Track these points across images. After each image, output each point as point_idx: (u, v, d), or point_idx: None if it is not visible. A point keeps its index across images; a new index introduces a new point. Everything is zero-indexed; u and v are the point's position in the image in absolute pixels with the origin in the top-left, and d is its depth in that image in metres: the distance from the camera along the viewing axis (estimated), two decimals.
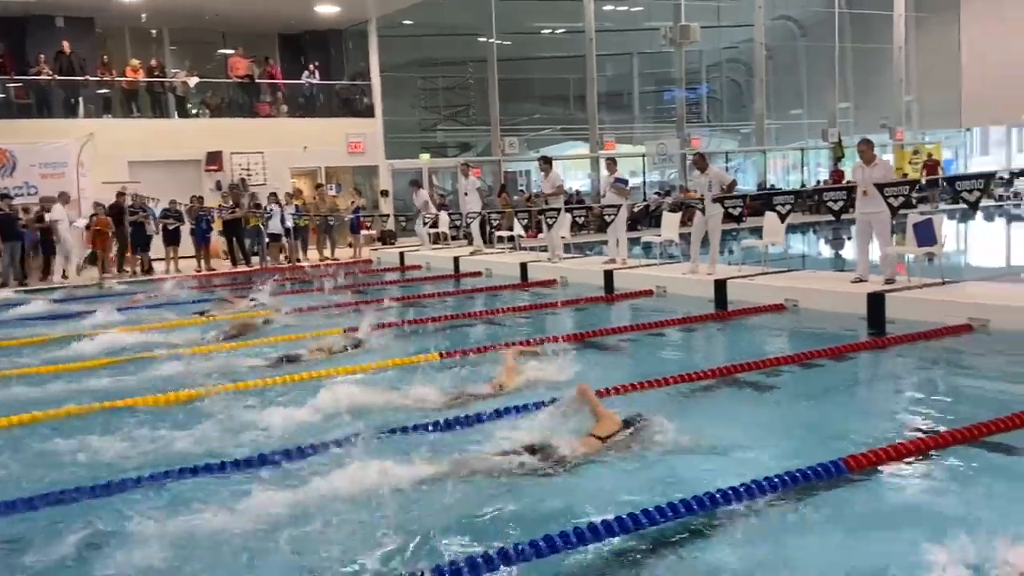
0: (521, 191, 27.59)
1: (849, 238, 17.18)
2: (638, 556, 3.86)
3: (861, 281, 9.87)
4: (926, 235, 9.57)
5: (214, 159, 21.57)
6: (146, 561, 3.89)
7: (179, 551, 3.98)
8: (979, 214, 22.34)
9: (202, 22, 23.49)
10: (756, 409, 6.10)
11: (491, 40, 27.14)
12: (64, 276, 17.21)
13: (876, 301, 9.05)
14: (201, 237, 18.61)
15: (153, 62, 22.05)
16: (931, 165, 28.45)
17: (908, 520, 4.08)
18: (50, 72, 20.11)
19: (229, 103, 22.91)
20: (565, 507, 4.37)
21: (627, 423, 5.21)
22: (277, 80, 23.35)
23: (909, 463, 4.80)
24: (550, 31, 31.72)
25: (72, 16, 21.54)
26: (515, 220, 17.33)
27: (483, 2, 26.39)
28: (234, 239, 19.07)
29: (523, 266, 14.47)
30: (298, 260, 19.55)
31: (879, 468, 4.71)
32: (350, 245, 20.96)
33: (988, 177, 9.08)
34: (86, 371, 8.04)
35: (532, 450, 4.91)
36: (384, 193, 23.62)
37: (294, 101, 23.58)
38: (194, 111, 22.40)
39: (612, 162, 14.69)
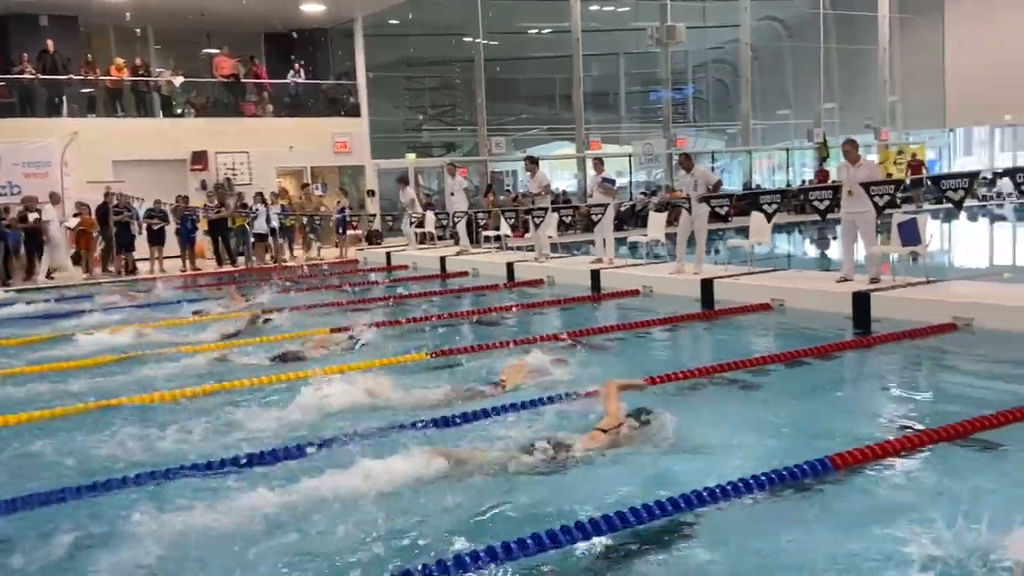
0: (507, 191, 27.59)
1: (834, 238, 17.27)
2: (625, 555, 3.86)
3: (846, 280, 9.92)
4: (910, 235, 9.63)
5: (199, 159, 21.47)
6: (139, 561, 3.88)
7: (173, 550, 3.97)
8: (963, 214, 22.54)
9: (187, 21, 23.37)
10: (743, 408, 6.12)
11: (478, 40, 27.13)
12: (49, 276, 17.08)
13: (861, 300, 9.10)
14: (186, 237, 18.53)
15: (138, 61, 21.92)
16: (915, 165, 28.63)
17: (894, 517, 4.09)
18: (33, 71, 19.97)
19: (214, 102, 22.80)
20: (554, 504, 4.37)
21: (633, 416, 5.24)
22: (263, 80, 23.25)
23: (894, 461, 4.83)
24: (537, 31, 31.74)
25: (56, 15, 21.39)
26: (502, 220, 17.33)
27: (470, 2, 26.36)
28: (219, 239, 19.00)
29: (509, 266, 14.46)
30: (284, 260, 19.49)
31: (865, 466, 4.73)
32: (336, 245, 20.91)
33: (972, 176, 9.14)
34: (74, 370, 8.02)
35: (533, 448, 4.93)
36: (371, 193, 23.57)
37: (280, 101, 23.49)
38: (179, 111, 22.28)
39: (599, 162, 14.70)
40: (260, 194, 19.56)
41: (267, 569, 3.83)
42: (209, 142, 21.46)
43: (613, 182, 14.88)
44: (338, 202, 20.88)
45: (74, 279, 16.99)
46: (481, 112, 26.91)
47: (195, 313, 11.22)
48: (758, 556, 3.82)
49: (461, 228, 17.28)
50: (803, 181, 29.96)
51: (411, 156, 26.47)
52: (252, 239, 19.04)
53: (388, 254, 18.53)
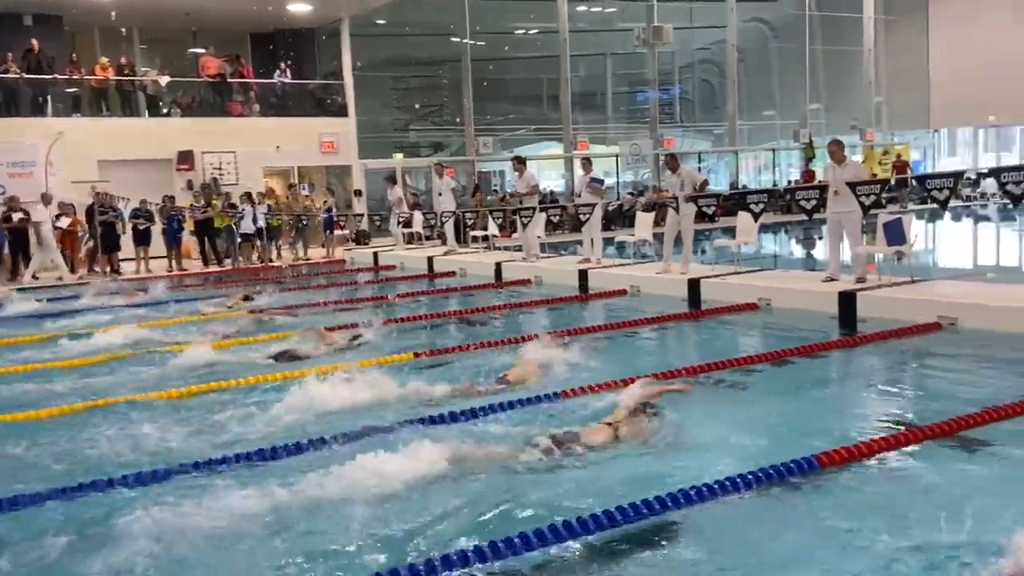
0: (495, 191, 27.60)
1: (820, 238, 17.36)
2: (612, 553, 3.87)
3: (832, 280, 9.97)
4: (896, 234, 9.70)
5: (185, 159, 21.37)
6: (133, 561, 3.87)
7: (168, 551, 3.97)
8: (947, 214, 22.70)
9: (173, 20, 23.25)
10: (729, 407, 6.14)
11: (465, 40, 27.12)
12: (34, 276, 16.97)
13: (847, 300, 9.15)
14: (172, 237, 18.45)
15: (123, 61, 21.79)
16: (900, 166, 28.80)
17: (879, 515, 4.12)
18: (18, 71, 19.83)
19: (200, 102, 22.68)
20: (550, 501, 4.40)
21: (640, 411, 5.29)
22: (249, 79, 23.17)
23: (880, 460, 4.86)
24: (524, 31, 31.76)
25: (40, 14, 21.25)
26: (489, 220, 17.33)
27: (457, 2, 26.36)
28: (206, 239, 18.93)
29: (497, 266, 14.47)
30: (271, 260, 19.43)
31: (851, 465, 4.76)
32: (323, 245, 20.87)
33: (957, 176, 9.20)
34: (73, 369, 8.05)
35: (536, 444, 4.99)
36: (358, 193, 23.53)
37: (266, 100, 23.41)
38: (165, 110, 22.18)
39: (588, 162, 14.73)
40: (248, 194, 19.50)
41: (268, 568, 3.84)
42: (195, 142, 21.36)
43: (601, 182, 14.90)
44: (324, 202, 20.83)
45: (65, 279, 16.86)
46: (468, 112, 26.92)
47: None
48: (744, 554, 3.83)
49: (449, 228, 17.26)
50: (789, 181, 30.10)
51: (398, 156, 26.44)
52: (239, 239, 18.97)
53: (375, 254, 18.50)
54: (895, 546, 3.78)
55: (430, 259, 16.39)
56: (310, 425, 5.85)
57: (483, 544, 3.78)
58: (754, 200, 11.16)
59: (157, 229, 18.33)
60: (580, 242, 14.64)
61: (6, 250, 17.00)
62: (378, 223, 21.04)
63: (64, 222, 17.58)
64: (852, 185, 9.49)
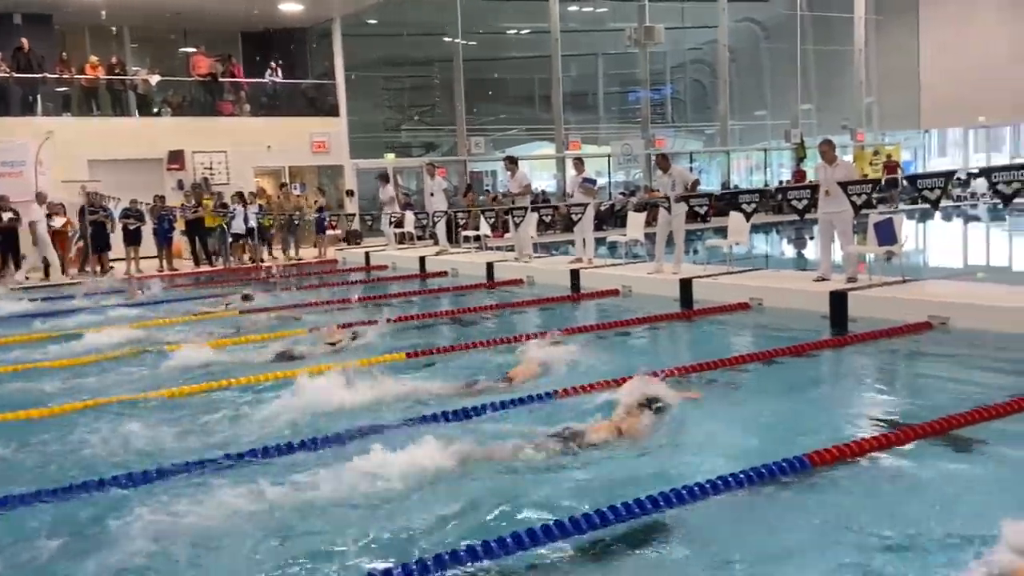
0: (487, 191, 27.58)
1: (811, 238, 17.40)
2: (603, 553, 3.87)
3: (823, 280, 9.99)
4: (887, 234, 9.71)
5: (176, 158, 21.30)
6: (127, 562, 3.86)
7: (165, 550, 3.96)
8: (938, 214, 22.78)
9: (163, 20, 23.17)
10: (721, 407, 6.15)
11: (457, 40, 27.10)
12: (27, 276, 16.91)
13: (838, 299, 9.17)
14: (163, 237, 18.39)
15: (113, 60, 21.70)
16: (890, 166, 28.90)
17: (870, 514, 4.13)
18: (8, 70, 19.73)
19: (191, 102, 22.61)
20: (542, 499, 4.41)
21: (646, 406, 5.33)
22: (240, 79, 23.11)
23: (871, 458, 4.87)
24: (516, 31, 31.75)
25: (30, 13, 21.14)
26: (481, 220, 17.32)
27: (449, 2, 26.34)
28: (197, 239, 18.87)
29: (489, 266, 14.46)
30: (262, 260, 19.38)
31: (842, 464, 4.77)
32: (315, 245, 20.83)
33: (948, 176, 9.23)
34: (64, 368, 8.05)
35: (540, 441, 5.02)
36: (349, 193, 23.49)
37: (257, 100, 23.34)
38: (156, 110, 22.10)
39: (580, 162, 14.75)
40: (240, 194, 19.44)
41: (264, 569, 3.83)
42: (186, 141, 21.29)
43: (594, 182, 14.92)
44: (315, 201, 20.79)
45: (52, 279, 16.80)
46: (460, 112, 26.89)
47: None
48: (735, 553, 3.83)
49: (440, 228, 17.25)
50: (780, 181, 30.17)
51: (390, 156, 26.41)
52: (230, 239, 18.92)
53: (367, 254, 18.47)
54: (886, 544, 3.79)
55: (422, 259, 16.37)
56: (308, 424, 5.85)
57: (475, 544, 3.78)
58: (746, 200, 11.17)
59: (148, 229, 18.25)
60: (572, 242, 14.64)
61: None
62: (370, 223, 21.02)
63: (58, 222, 17.51)
64: (843, 185, 9.51)
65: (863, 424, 5.64)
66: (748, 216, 11.15)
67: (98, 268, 17.65)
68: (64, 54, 21.10)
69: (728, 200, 13.51)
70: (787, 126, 31.16)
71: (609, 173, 28.86)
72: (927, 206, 9.52)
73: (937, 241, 20.37)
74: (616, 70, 33.97)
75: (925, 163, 34.82)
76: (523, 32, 31.56)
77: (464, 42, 27.34)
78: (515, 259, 14.62)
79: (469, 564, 3.67)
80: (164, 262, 18.37)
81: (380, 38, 27.97)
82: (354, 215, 21.37)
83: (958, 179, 26.60)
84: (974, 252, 17.84)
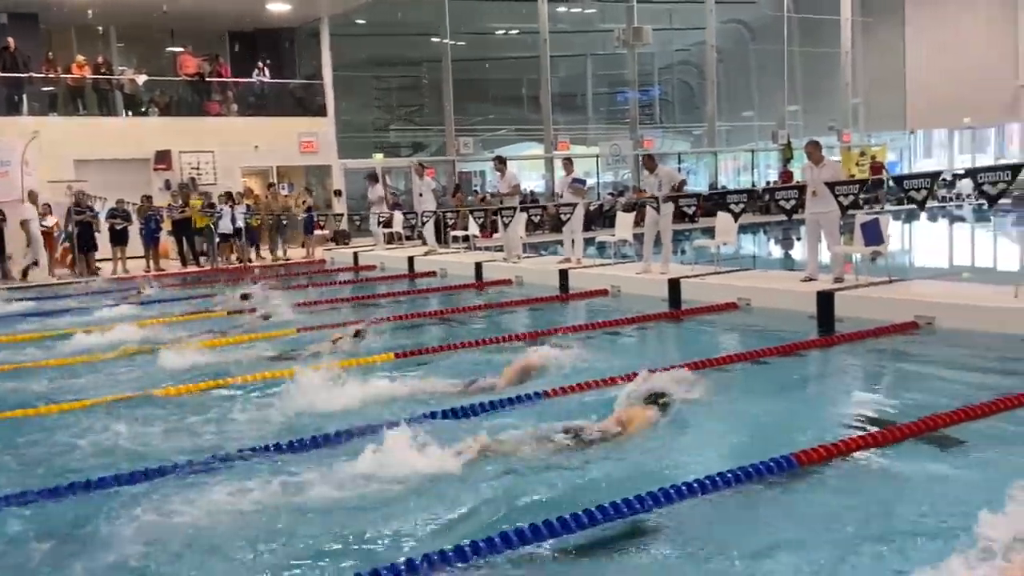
0: (475, 191, 27.57)
1: (799, 238, 17.47)
2: (589, 553, 3.88)
3: (811, 280, 10.04)
4: (873, 234, 9.76)
5: (163, 158, 21.20)
6: (121, 562, 3.85)
7: (164, 550, 3.96)
8: (923, 215, 22.90)
9: (150, 19, 23.02)
10: (709, 406, 6.16)
11: (445, 40, 27.08)
12: (15, 276, 16.82)
13: (825, 300, 9.21)
14: (150, 237, 18.31)
15: (100, 59, 21.60)
16: (875, 167, 29.03)
17: (857, 512, 4.16)
18: None
19: (178, 101, 22.52)
20: (539, 497, 4.44)
21: (651, 402, 5.39)
22: (227, 79, 23.02)
23: (858, 458, 4.90)
24: (504, 32, 31.76)
25: (16, 12, 21.01)
26: (470, 220, 17.32)
27: (437, 2, 26.32)
28: (184, 239, 18.80)
29: (478, 266, 14.46)
30: (249, 260, 19.31)
31: (829, 463, 4.79)
32: (303, 245, 20.78)
33: (934, 177, 9.29)
34: (53, 368, 8.05)
35: (545, 437, 5.08)
36: (337, 193, 23.44)
37: (245, 100, 23.27)
38: (143, 109, 21.99)
39: (569, 162, 14.77)
40: (229, 194, 19.38)
41: (258, 569, 3.83)
42: (173, 141, 21.21)
43: (583, 182, 14.95)
44: (304, 202, 20.74)
45: (37, 279, 16.72)
46: (449, 112, 26.88)
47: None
48: (722, 552, 3.85)
49: (428, 229, 17.24)
50: (767, 182, 30.27)
51: (378, 156, 26.37)
52: (217, 239, 18.86)
53: (355, 254, 18.44)
54: (873, 542, 3.81)
55: (411, 259, 16.36)
56: (301, 425, 5.85)
57: (464, 544, 3.78)
58: (734, 200, 11.22)
59: (134, 229, 18.17)
60: (560, 242, 14.66)
61: None
62: (358, 223, 20.98)
63: (50, 221, 17.43)
64: (831, 185, 9.57)
65: (850, 423, 5.66)
66: (736, 216, 11.20)
67: (84, 269, 17.56)
68: (50, 53, 21.00)
69: (716, 200, 13.56)
70: (774, 127, 31.27)
71: (598, 173, 28.89)
72: (913, 207, 9.57)
73: (923, 241, 20.49)
74: (604, 71, 34.03)
75: (911, 164, 35.02)
76: (512, 32, 31.57)
77: (453, 42, 27.32)
78: (504, 259, 14.63)
79: (458, 564, 3.67)
80: (151, 262, 18.29)
81: (368, 38, 27.93)
82: (342, 215, 21.32)
83: (944, 180, 26.75)
84: (959, 252, 17.95)
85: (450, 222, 18.17)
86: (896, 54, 32.84)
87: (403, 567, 3.62)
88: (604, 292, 11.82)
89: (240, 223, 18.93)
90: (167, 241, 19.13)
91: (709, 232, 13.16)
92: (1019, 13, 29.59)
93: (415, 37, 28.82)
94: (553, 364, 7.11)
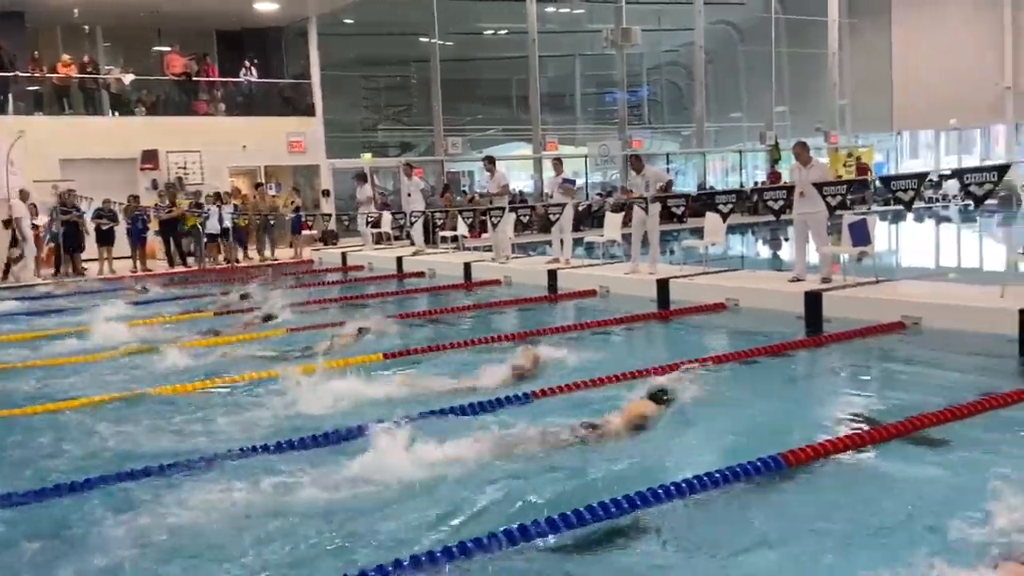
0: (464, 191, 27.56)
1: (786, 239, 17.53)
2: (575, 554, 3.87)
3: (798, 280, 10.07)
4: (860, 235, 9.80)
5: (150, 158, 21.10)
6: (112, 564, 3.83)
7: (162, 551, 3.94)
8: (910, 216, 23.00)
9: (137, 18, 22.92)
10: (696, 406, 6.17)
11: (434, 40, 27.05)
12: (6, 276, 16.73)
13: (813, 300, 9.24)
14: (137, 237, 18.21)
15: (86, 58, 21.47)
16: (860, 168, 29.16)
17: (845, 512, 4.17)
18: None
19: (165, 101, 22.42)
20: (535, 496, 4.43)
21: (654, 399, 5.48)
22: (214, 78, 22.93)
23: (845, 458, 4.91)
24: (493, 32, 31.75)
25: (1, 11, 20.83)
26: (459, 220, 17.30)
27: (425, 2, 26.29)
28: (171, 239, 18.71)
29: (467, 266, 14.45)
30: (237, 261, 19.24)
31: (817, 463, 4.81)
32: (291, 245, 20.71)
33: (921, 178, 9.33)
34: (40, 368, 8.02)
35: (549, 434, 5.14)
36: (326, 193, 23.38)
37: (232, 99, 23.17)
38: (130, 108, 21.87)
39: (559, 162, 14.78)
40: (217, 194, 19.30)
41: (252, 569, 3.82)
42: (160, 141, 21.10)
43: (573, 183, 14.97)
44: (292, 202, 20.67)
45: (24, 279, 16.62)
46: (437, 112, 26.85)
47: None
48: (709, 553, 3.86)
49: (416, 229, 17.21)
50: (755, 183, 30.36)
51: (367, 156, 26.31)
52: (204, 239, 18.78)
53: (344, 254, 18.40)
54: (860, 542, 3.83)
55: (399, 259, 16.33)
56: (297, 424, 5.85)
57: (451, 545, 3.78)
58: (722, 201, 11.24)
59: (121, 229, 18.07)
60: (549, 242, 14.66)
61: None
62: (346, 223, 20.93)
63: (42, 220, 17.32)
64: (818, 186, 9.60)
65: (837, 423, 5.68)
66: (724, 217, 11.22)
67: (70, 269, 17.45)
68: (36, 52, 20.86)
69: (704, 201, 13.59)
70: (762, 128, 31.36)
71: (586, 174, 28.92)
72: (900, 207, 9.62)
73: (909, 242, 20.59)
74: (593, 71, 34.08)
75: (897, 165, 35.19)
76: (500, 32, 31.56)
77: (441, 42, 27.30)
78: (492, 259, 14.62)
79: (442, 565, 3.67)
80: (137, 263, 18.19)
81: (357, 37, 27.87)
82: (330, 215, 21.26)
83: (930, 181, 26.90)
84: (946, 253, 18.06)
85: (439, 222, 18.15)
86: (883, 56, 33.01)
87: (390, 568, 3.61)
88: (592, 292, 11.83)
89: (228, 223, 18.85)
90: (154, 241, 19.04)
91: (697, 232, 13.19)
92: (1005, 15, 29.78)
93: (403, 37, 28.77)
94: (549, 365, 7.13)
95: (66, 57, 21.03)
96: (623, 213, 14.70)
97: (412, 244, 17.76)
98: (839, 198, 9.49)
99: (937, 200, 28.06)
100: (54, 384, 7.36)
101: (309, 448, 5.30)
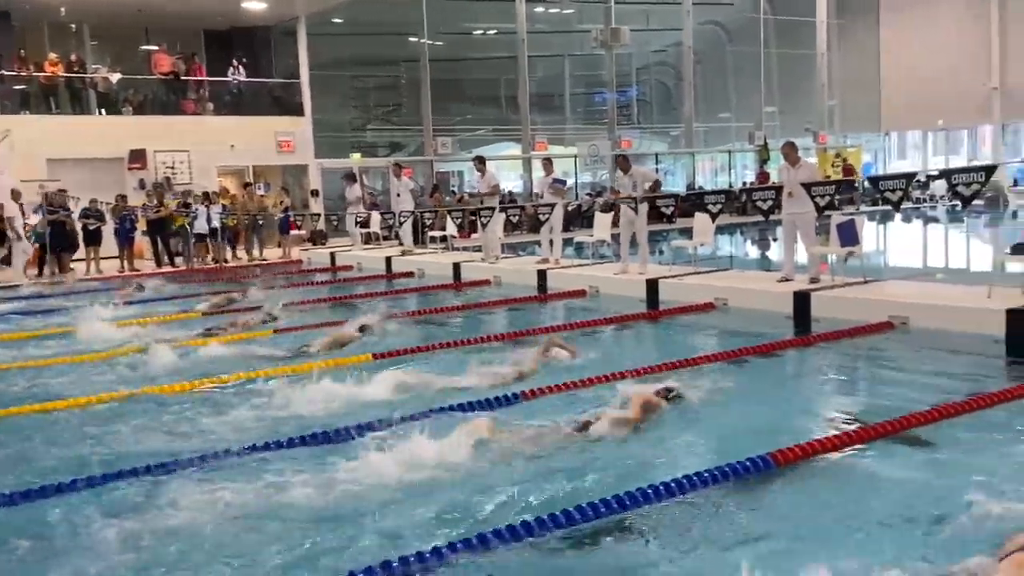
0: (453, 191, 27.54)
1: (775, 238, 17.59)
2: (565, 554, 3.88)
3: (787, 280, 10.10)
4: (848, 235, 9.84)
5: (137, 157, 21.01)
6: (103, 564, 3.82)
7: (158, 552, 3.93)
8: (898, 216, 23.14)
9: (124, 17, 22.81)
10: (685, 406, 6.19)
11: (423, 40, 27.02)
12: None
13: (802, 300, 9.28)
14: (124, 237, 18.13)
15: (73, 57, 21.37)
16: (847, 169, 29.30)
17: (832, 512, 4.19)
18: None
19: (153, 100, 22.33)
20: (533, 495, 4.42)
21: (662, 396, 5.61)
22: (202, 77, 22.84)
23: (833, 457, 4.93)
24: (482, 32, 31.73)
25: None
26: (448, 220, 17.29)
27: (415, 2, 26.26)
28: (159, 239, 18.63)
29: (456, 266, 14.44)
30: (225, 261, 19.17)
31: (805, 462, 4.82)
32: (279, 245, 20.66)
33: (909, 178, 9.38)
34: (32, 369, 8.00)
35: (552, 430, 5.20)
36: (314, 193, 23.33)
37: (220, 99, 23.10)
38: (117, 108, 21.77)
39: (549, 162, 14.78)
40: (206, 193, 19.23)
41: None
42: (148, 140, 21.01)
43: (564, 183, 14.98)
44: (280, 202, 20.62)
45: (13, 279, 16.53)
46: (427, 112, 26.81)
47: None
48: (698, 553, 3.87)
49: (405, 229, 17.18)
50: (744, 183, 30.45)
51: (356, 156, 26.26)
52: (193, 239, 18.70)
53: (332, 254, 18.36)
54: (849, 541, 3.84)
55: (388, 259, 16.30)
56: (295, 423, 5.85)
57: (442, 546, 3.77)
58: (711, 201, 11.27)
59: (108, 229, 17.98)
60: (539, 242, 14.67)
61: None
62: (335, 223, 20.89)
63: (34, 219, 17.23)
64: (807, 186, 9.63)
65: (825, 423, 5.71)
66: (714, 217, 11.25)
67: (56, 269, 17.34)
68: (22, 51, 20.75)
69: (694, 201, 13.62)
70: (751, 128, 31.45)
71: (576, 174, 28.94)
72: (888, 207, 9.67)
73: (897, 242, 20.69)
74: (582, 71, 34.08)
75: (885, 165, 35.35)
76: (490, 33, 31.54)
77: (430, 42, 27.27)
78: (482, 259, 14.62)
79: (435, 562, 3.68)
80: (125, 263, 18.11)
81: (346, 37, 27.80)
82: (319, 215, 21.23)
83: (918, 181, 27.04)
84: (933, 253, 18.14)
85: (428, 222, 18.12)
86: (871, 56, 33.16)
87: (378, 568, 3.61)
88: (582, 293, 11.84)
89: (216, 223, 18.78)
90: (142, 241, 18.96)
91: (687, 232, 13.23)
92: (992, 16, 29.95)
93: (393, 37, 28.70)
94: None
95: (53, 56, 20.92)
96: (612, 213, 14.73)
97: (400, 244, 17.73)
98: (827, 198, 9.53)
99: (925, 200, 28.20)
100: (43, 384, 7.33)
101: (298, 447, 5.29)
